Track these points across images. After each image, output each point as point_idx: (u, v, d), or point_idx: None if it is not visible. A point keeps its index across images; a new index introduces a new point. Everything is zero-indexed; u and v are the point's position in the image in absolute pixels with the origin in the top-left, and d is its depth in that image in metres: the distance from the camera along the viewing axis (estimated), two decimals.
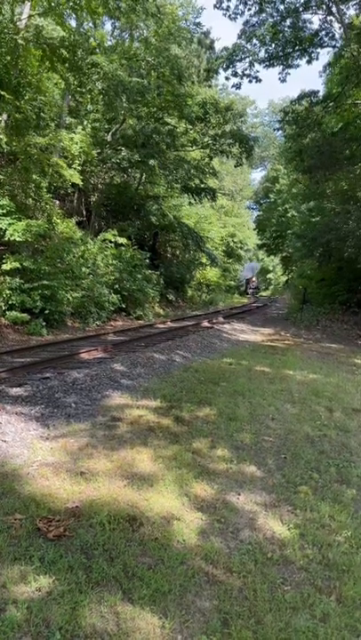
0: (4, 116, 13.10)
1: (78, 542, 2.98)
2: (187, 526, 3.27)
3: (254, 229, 54.09)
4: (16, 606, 2.40)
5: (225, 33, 57.26)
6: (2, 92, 12.04)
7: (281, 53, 18.29)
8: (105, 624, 2.35)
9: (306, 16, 17.70)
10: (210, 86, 25.81)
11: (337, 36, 17.72)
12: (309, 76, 62.66)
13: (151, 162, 19.28)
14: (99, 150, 18.94)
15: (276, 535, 3.29)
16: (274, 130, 30.57)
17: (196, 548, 3.04)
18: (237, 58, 18.25)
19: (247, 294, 59.09)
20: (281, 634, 2.39)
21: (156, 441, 4.77)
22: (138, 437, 4.83)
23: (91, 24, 16.63)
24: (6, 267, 11.79)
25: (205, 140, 23.76)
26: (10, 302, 11.63)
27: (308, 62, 18.32)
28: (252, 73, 18.46)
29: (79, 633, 2.28)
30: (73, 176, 16.13)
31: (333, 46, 18.19)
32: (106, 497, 3.52)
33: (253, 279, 62.92)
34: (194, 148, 24.65)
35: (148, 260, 20.03)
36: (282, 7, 17.28)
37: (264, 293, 63.77)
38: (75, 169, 16.88)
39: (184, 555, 2.95)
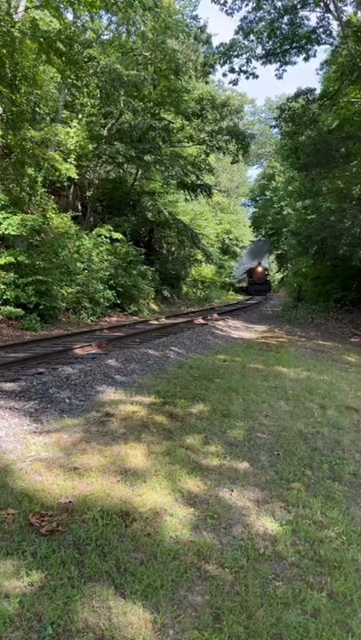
0: (0, 110, 13.00)
1: (71, 537, 2.98)
2: (179, 522, 3.28)
3: (250, 226, 54.11)
4: (8, 601, 2.40)
5: (222, 27, 57.13)
6: None
7: (278, 50, 18.27)
8: (97, 619, 2.35)
9: (304, 13, 17.68)
10: (207, 82, 25.76)
11: (334, 33, 17.72)
12: (307, 73, 62.66)
13: (147, 157, 19.22)
14: (95, 145, 18.87)
15: (269, 531, 3.30)
16: (270, 127, 30.54)
17: (189, 544, 3.05)
18: (234, 54, 18.22)
19: (249, 293, 41.21)
20: (272, 629, 2.41)
21: (149, 437, 4.77)
22: (131, 433, 4.83)
23: (87, 17, 16.54)
24: (1, 261, 11.75)
25: (202, 136, 23.76)
26: (4, 297, 11.60)
27: (306, 59, 18.31)
28: (249, 69, 18.46)
29: (71, 627, 2.28)
30: (69, 170, 16.05)
31: (331, 44, 18.21)
32: (99, 492, 3.53)
33: (259, 269, 42.02)
34: (190, 144, 24.63)
35: (143, 256, 20.02)
36: (279, 4, 17.26)
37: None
38: (70, 163, 16.80)
39: (176, 550, 2.95)
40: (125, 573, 2.71)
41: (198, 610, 2.50)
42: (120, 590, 2.57)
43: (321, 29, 17.66)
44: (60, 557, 2.77)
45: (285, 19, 17.57)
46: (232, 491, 3.83)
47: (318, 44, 18.06)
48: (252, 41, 18.10)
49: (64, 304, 13.81)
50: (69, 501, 3.36)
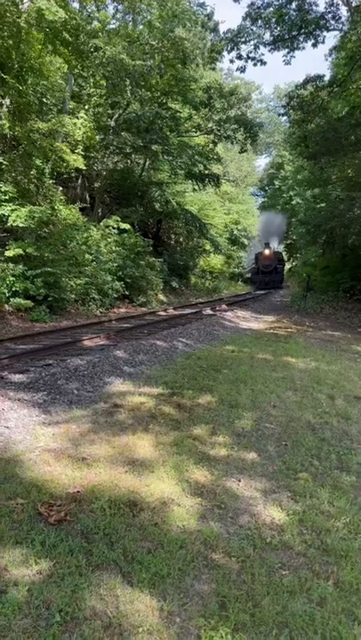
0: (7, 101, 12.99)
1: (79, 527, 3.02)
2: (187, 511, 3.30)
3: (259, 216, 53.69)
4: (17, 588, 2.44)
5: (229, 14, 56.27)
6: (4, 76, 11.92)
7: (286, 36, 17.98)
8: (104, 606, 2.38)
9: None
10: (213, 69, 25.47)
11: (343, 19, 17.38)
12: (315, 60, 61.65)
13: (155, 147, 19.11)
14: (102, 136, 18.80)
15: (276, 521, 3.32)
16: (279, 115, 30.20)
17: (196, 533, 3.07)
18: (242, 40, 17.95)
19: (254, 284, 36.95)
20: (278, 617, 2.42)
21: (157, 427, 4.80)
22: (139, 424, 4.86)
23: (93, 7, 16.42)
24: (9, 253, 11.80)
25: (209, 125, 23.56)
26: (13, 289, 11.66)
27: (314, 45, 17.98)
28: (257, 56, 18.17)
29: (79, 615, 2.31)
30: (77, 161, 16.02)
31: (340, 29, 17.85)
32: (107, 482, 3.56)
33: (267, 252, 35.19)
34: (198, 133, 24.44)
35: (151, 247, 19.98)
36: None
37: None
38: (78, 154, 16.76)
39: (183, 539, 2.98)
40: (133, 562, 2.74)
41: (205, 598, 2.53)
42: (127, 579, 2.60)
43: (330, 15, 17.34)
44: (69, 546, 2.81)
45: (294, 4, 17.26)
46: (239, 481, 3.85)
47: (327, 29, 17.73)
48: (260, 27, 17.82)
49: (73, 295, 13.85)
50: (77, 491, 3.40)
